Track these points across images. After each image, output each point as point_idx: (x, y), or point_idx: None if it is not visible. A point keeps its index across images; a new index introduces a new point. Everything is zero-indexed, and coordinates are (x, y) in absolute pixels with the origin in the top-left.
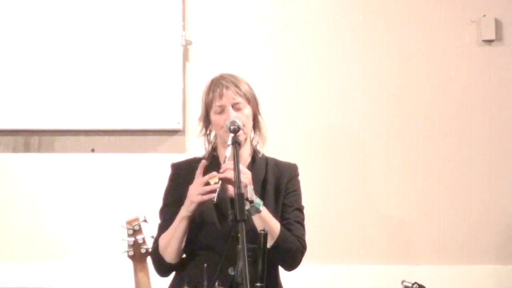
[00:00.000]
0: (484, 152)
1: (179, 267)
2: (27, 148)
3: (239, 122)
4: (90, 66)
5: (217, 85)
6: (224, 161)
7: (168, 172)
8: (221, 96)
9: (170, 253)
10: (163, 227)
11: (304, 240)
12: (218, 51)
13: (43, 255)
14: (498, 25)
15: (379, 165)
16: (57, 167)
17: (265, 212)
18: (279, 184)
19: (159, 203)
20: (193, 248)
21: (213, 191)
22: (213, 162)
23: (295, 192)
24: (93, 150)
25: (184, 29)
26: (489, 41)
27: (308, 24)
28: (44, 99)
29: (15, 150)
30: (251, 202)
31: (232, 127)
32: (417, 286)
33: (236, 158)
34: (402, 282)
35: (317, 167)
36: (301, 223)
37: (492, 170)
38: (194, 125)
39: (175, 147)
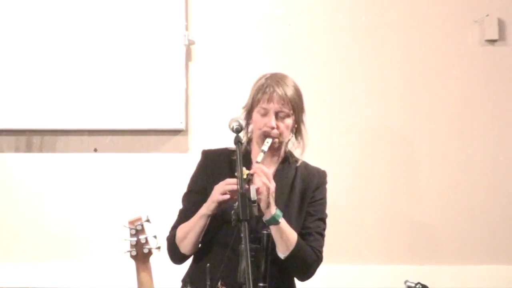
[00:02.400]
0: (487, 152)
1: (196, 257)
2: (29, 148)
3: (241, 122)
4: (93, 66)
5: (268, 86)
6: (254, 163)
7: (174, 171)
8: (269, 100)
9: (186, 245)
10: (183, 214)
11: (321, 252)
12: (221, 51)
13: (45, 255)
14: (501, 25)
15: (382, 164)
16: (60, 167)
17: (283, 223)
18: (305, 190)
19: (162, 203)
20: (212, 242)
21: (232, 188)
22: (245, 157)
23: (321, 201)
24: (95, 150)
25: (187, 29)
26: (492, 41)
27: (311, 24)
28: (46, 99)
29: (17, 150)
30: (254, 202)
31: (234, 127)
32: (420, 286)
33: (239, 158)
34: (405, 282)
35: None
36: (321, 234)
37: (495, 170)
38: (197, 125)
39: (178, 147)
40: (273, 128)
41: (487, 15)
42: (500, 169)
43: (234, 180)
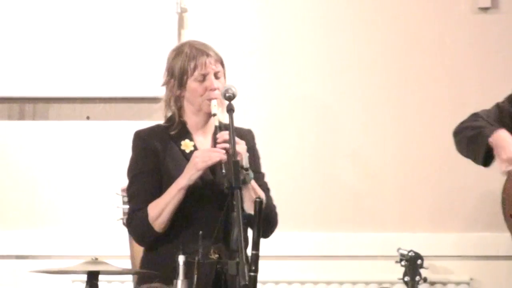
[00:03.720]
0: None
1: (172, 235)
2: (21, 116)
3: (234, 90)
4: (84, 33)
5: (200, 52)
6: (216, 132)
7: None
8: (206, 64)
9: (161, 222)
10: (142, 195)
11: (275, 207)
12: (215, 19)
13: (37, 222)
14: None
15: (374, 133)
16: (52, 134)
17: (253, 183)
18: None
19: None
20: (187, 213)
21: (220, 156)
22: (182, 130)
23: (258, 160)
24: (88, 118)
25: None
26: (485, 9)
27: None
28: (38, 66)
29: (9, 117)
30: (246, 169)
31: (227, 94)
32: (413, 254)
33: (231, 125)
34: (398, 249)
35: (312, 134)
36: (269, 189)
37: None
38: None
39: None
40: (215, 90)
41: None
42: None
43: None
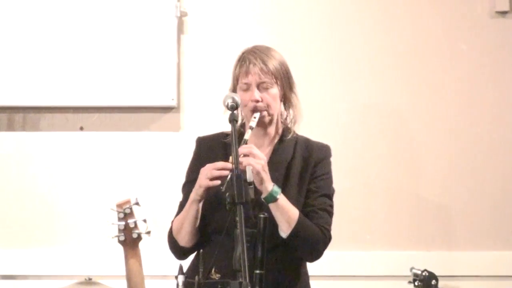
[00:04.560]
0: (496, 128)
1: (198, 248)
2: (11, 127)
3: (237, 99)
4: (78, 39)
5: (245, 60)
6: (242, 143)
7: (165, 151)
8: (247, 73)
9: (183, 236)
10: (181, 205)
11: (327, 229)
12: (215, 23)
13: (27, 240)
14: None
15: (386, 142)
16: (43, 146)
17: (282, 200)
18: (305, 167)
19: (152, 185)
20: (208, 231)
21: (221, 177)
22: (239, 139)
23: (324, 176)
24: (81, 129)
25: None
26: (503, 13)
27: None
28: (29, 74)
29: None
30: (250, 184)
31: (229, 104)
32: (427, 273)
33: (234, 136)
34: (411, 269)
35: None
36: (327, 210)
37: (506, 148)
38: (189, 102)
39: (169, 125)
40: (257, 101)
41: None
42: (510, 149)
43: (221, 164)
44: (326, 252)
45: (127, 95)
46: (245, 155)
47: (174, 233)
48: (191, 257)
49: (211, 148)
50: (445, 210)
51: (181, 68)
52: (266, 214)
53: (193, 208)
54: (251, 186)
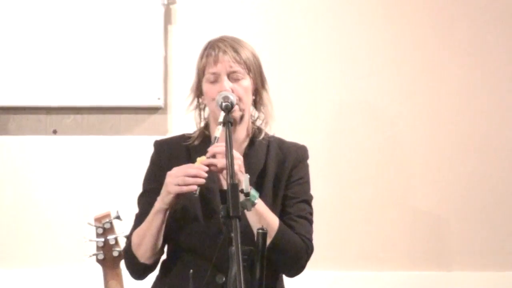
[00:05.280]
0: (499, 135)
1: (162, 271)
2: None
3: (232, 98)
4: (51, 29)
5: (213, 48)
6: (214, 142)
7: (149, 153)
8: (215, 61)
9: (144, 251)
10: (139, 219)
11: (309, 239)
12: (206, 11)
13: None
14: None
15: (401, 149)
16: (11, 152)
17: (260, 205)
18: (281, 171)
19: (135, 196)
20: (175, 249)
21: (195, 182)
22: (204, 142)
23: (301, 180)
24: (55, 132)
25: None
26: None
27: None
28: None
29: None
30: (247, 194)
31: (224, 103)
32: None
33: (229, 140)
34: None
35: (326, 150)
36: (307, 218)
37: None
38: (178, 102)
39: (155, 127)
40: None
41: None
42: None
43: (194, 171)
44: (334, 273)
45: (107, 94)
46: (215, 155)
47: (133, 248)
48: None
49: (172, 154)
50: (469, 227)
51: (169, 64)
52: (265, 228)
53: (158, 218)
54: (248, 198)
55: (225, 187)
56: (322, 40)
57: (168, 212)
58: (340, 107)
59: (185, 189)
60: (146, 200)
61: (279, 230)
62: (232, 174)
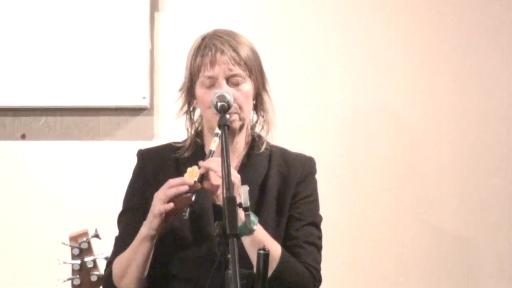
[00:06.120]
0: None
1: None
2: None
3: (229, 98)
4: (20, 19)
5: (209, 46)
6: (209, 156)
7: (132, 161)
8: (212, 63)
9: (127, 283)
10: (120, 242)
11: (316, 269)
12: None
13: None
14: None
15: (423, 158)
16: None
17: (260, 232)
18: (285, 187)
19: (116, 211)
20: (162, 276)
21: (185, 199)
22: (196, 154)
23: (309, 199)
24: (23, 137)
25: None
26: None
27: None
28: None
29: None
30: (246, 209)
31: (220, 103)
32: None
33: (225, 147)
34: None
35: (336, 162)
36: (314, 244)
37: None
38: (165, 101)
39: (140, 131)
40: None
41: None
42: None
43: (178, 180)
44: None
45: (84, 92)
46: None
47: (114, 279)
48: None
49: (158, 166)
50: (501, 245)
51: (155, 58)
52: (267, 249)
53: (145, 246)
54: (247, 213)
55: (219, 202)
56: (330, 32)
57: (155, 239)
58: (352, 111)
59: (168, 207)
60: (128, 219)
61: (282, 259)
62: (228, 186)
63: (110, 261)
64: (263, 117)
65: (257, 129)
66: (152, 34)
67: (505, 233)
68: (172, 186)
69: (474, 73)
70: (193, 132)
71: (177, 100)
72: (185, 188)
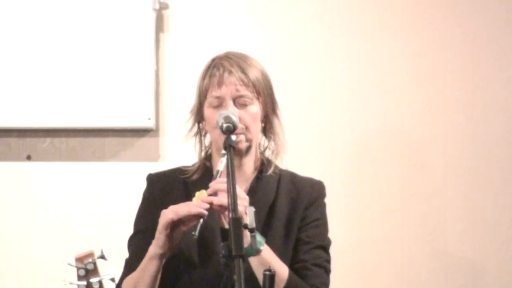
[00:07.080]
0: None
1: None
2: None
3: (234, 119)
4: (25, 42)
5: (218, 67)
6: (216, 176)
7: (140, 186)
8: (220, 84)
9: None
10: (130, 264)
11: None
12: (203, 18)
13: None
14: None
15: (430, 180)
16: None
17: (267, 253)
18: (293, 211)
19: (123, 232)
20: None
21: (194, 218)
22: (205, 176)
23: (317, 222)
24: (29, 158)
25: None
26: None
27: None
28: None
29: None
30: (252, 230)
31: (225, 124)
32: None
33: (231, 168)
34: None
35: (345, 186)
36: (323, 266)
37: None
38: (171, 122)
39: (145, 152)
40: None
41: None
42: None
43: (193, 208)
44: None
45: (89, 114)
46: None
47: None
48: None
49: (167, 189)
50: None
51: (161, 78)
52: (272, 270)
53: (153, 265)
54: (253, 234)
55: (226, 225)
56: (337, 53)
57: (163, 258)
58: (359, 132)
59: (175, 217)
60: (137, 242)
61: (289, 281)
62: (234, 207)
63: (119, 283)
64: (273, 141)
65: (267, 153)
66: (157, 55)
67: (510, 255)
68: (182, 210)
69: (482, 97)
70: (203, 155)
71: (187, 121)
72: (197, 210)
